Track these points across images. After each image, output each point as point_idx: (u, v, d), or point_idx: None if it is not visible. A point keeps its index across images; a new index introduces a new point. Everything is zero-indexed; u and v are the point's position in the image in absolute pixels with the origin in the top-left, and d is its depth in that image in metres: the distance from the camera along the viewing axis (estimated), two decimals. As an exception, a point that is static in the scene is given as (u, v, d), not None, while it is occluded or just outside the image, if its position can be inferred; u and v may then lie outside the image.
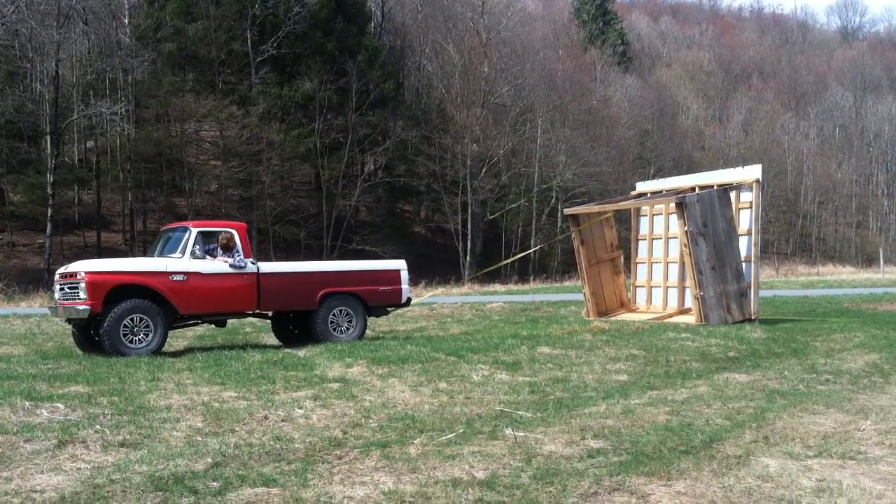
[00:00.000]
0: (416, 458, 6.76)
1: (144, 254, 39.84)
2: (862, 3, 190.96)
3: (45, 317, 20.64)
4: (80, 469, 6.45)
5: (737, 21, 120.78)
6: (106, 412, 8.38)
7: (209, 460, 6.61)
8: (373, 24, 59.14)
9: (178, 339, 16.00)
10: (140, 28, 46.07)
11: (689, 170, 53.84)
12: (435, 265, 45.37)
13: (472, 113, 52.03)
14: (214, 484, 6.06)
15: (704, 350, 13.20)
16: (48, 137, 41.68)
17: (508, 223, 54.70)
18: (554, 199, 54.29)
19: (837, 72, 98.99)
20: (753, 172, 18.29)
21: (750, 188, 18.09)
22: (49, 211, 39.40)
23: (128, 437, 7.39)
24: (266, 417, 8.28)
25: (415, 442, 7.33)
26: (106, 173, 45.99)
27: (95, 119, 42.67)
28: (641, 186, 22.15)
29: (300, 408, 8.71)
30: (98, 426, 7.70)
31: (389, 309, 16.00)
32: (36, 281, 35.37)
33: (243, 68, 48.12)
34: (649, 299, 20.91)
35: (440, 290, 33.84)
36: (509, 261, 32.63)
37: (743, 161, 51.97)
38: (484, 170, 51.90)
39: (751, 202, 18.08)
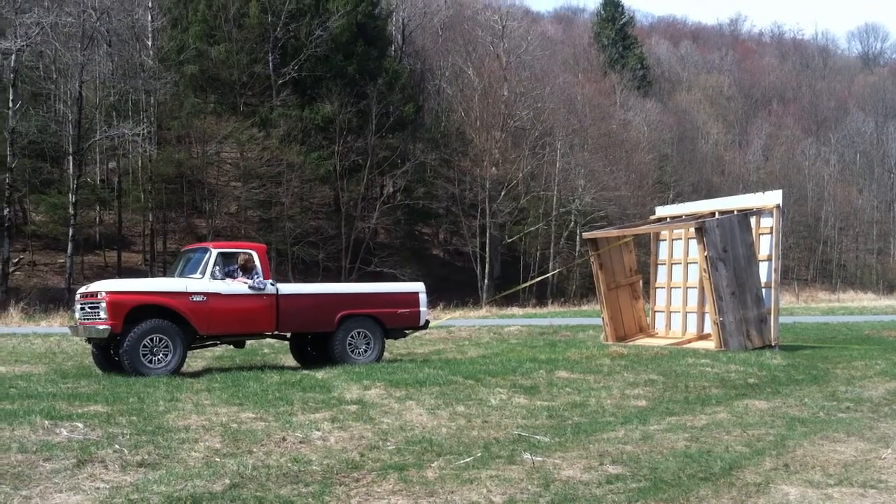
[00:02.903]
0: (434, 482, 6.76)
1: (164, 274, 40.09)
2: (884, 28, 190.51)
3: (65, 336, 20.73)
4: (98, 489, 6.47)
5: (757, 46, 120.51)
6: (125, 432, 8.41)
7: (227, 481, 6.63)
8: (393, 48, 59.42)
9: (197, 359, 16.03)
10: (163, 50, 46.48)
11: (709, 195, 53.68)
12: (453, 288, 45.33)
13: (491, 136, 52.11)
14: (232, 505, 6.07)
15: (724, 376, 13.13)
16: (70, 158, 41.96)
17: (527, 246, 54.65)
18: (573, 223, 54.24)
19: (858, 97, 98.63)
20: (774, 198, 18.22)
21: (770, 214, 18.02)
22: (70, 231, 39.64)
23: (146, 457, 7.42)
24: (284, 439, 8.29)
25: (432, 465, 7.32)
26: (127, 194, 46.28)
27: (118, 140, 43.02)
28: (661, 211, 22.11)
29: (318, 430, 8.71)
30: (117, 446, 7.73)
31: (407, 332, 16.00)
32: (56, 300, 35.55)
33: (265, 91, 48.41)
34: (668, 325, 20.82)
35: (458, 312, 33.82)
36: (527, 284, 32.62)
37: (763, 186, 51.82)
38: (503, 193, 51.92)
39: (771, 227, 18.00)
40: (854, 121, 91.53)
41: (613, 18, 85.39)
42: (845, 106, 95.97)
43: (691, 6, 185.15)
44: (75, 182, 40.44)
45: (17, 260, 41.15)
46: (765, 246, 18.14)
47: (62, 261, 41.39)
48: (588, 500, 6.34)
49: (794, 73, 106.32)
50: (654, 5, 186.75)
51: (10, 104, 37.86)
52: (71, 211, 40.14)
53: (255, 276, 14.03)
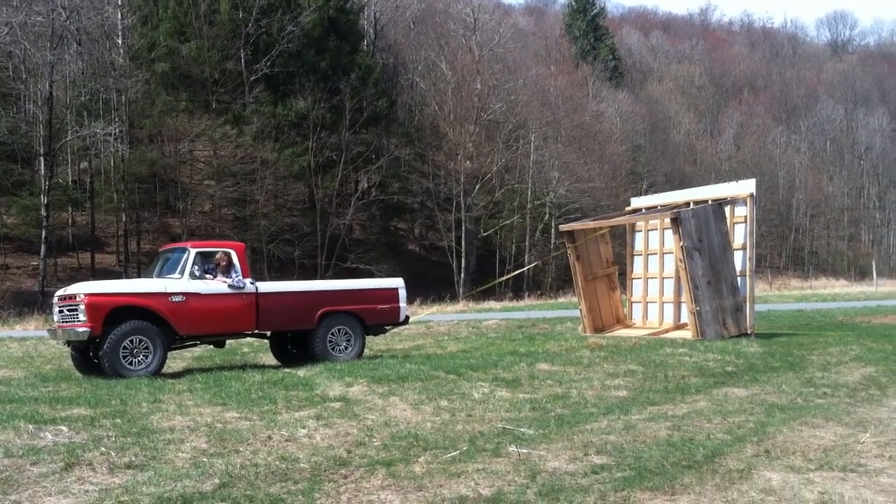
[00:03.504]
0: (422, 477, 6.82)
1: (139, 275, 39.90)
2: (852, 15, 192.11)
3: (41, 339, 20.62)
4: (87, 491, 6.49)
5: (727, 35, 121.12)
6: (110, 434, 8.41)
7: (216, 481, 6.66)
8: (366, 43, 59.34)
9: (177, 360, 16.00)
10: (133, 48, 46.18)
11: (682, 184, 53.95)
12: (429, 283, 45.35)
13: (465, 130, 52.18)
14: (223, 504, 6.11)
15: (702, 365, 13.27)
16: (42, 159, 41.68)
17: (502, 240, 54.79)
18: (547, 216, 54.38)
19: (828, 85, 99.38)
20: (747, 187, 18.38)
21: (744, 203, 18.18)
22: (43, 233, 39.41)
23: (133, 458, 7.43)
24: (270, 437, 8.32)
25: (419, 460, 7.38)
26: (100, 194, 46.00)
27: (89, 140, 42.73)
28: (636, 202, 22.23)
29: (303, 427, 8.75)
30: (103, 448, 7.73)
31: (387, 327, 16.05)
32: (30, 303, 35.34)
33: (237, 87, 48.23)
34: (645, 315, 20.96)
35: (435, 307, 33.87)
36: (505, 278, 32.73)
37: (735, 175, 52.14)
38: (477, 186, 52.02)
39: (745, 217, 18.16)
40: (824, 108, 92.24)
41: (584, 10, 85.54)
42: (815, 94, 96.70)
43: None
44: (47, 183, 40.17)
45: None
46: (739, 235, 18.30)
47: (35, 263, 41.11)
48: (574, 490, 6.42)
49: (764, 61, 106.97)
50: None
51: (-20, 106, 37.56)
52: (43, 213, 39.91)
53: (234, 275, 14.02)
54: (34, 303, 35.80)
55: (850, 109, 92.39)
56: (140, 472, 6.99)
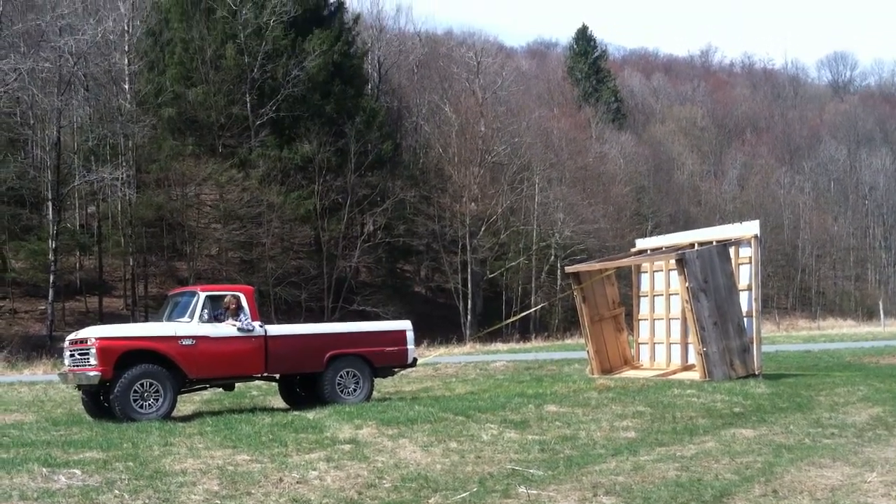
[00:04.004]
0: (433, 518, 6.88)
1: (146, 318, 40.02)
2: (852, 56, 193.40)
3: (51, 383, 20.71)
4: (103, 534, 6.56)
5: (728, 77, 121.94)
6: (122, 477, 8.49)
7: (230, 523, 6.73)
8: (370, 86, 59.82)
9: (186, 403, 16.06)
10: (140, 94, 46.60)
11: (686, 225, 54.21)
12: (436, 325, 45.37)
13: (469, 172, 52.50)
14: (237, 546, 6.18)
15: (710, 406, 13.31)
16: (50, 204, 41.93)
17: (508, 281, 54.84)
18: (553, 257, 54.50)
19: (830, 125, 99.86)
20: (752, 228, 18.49)
21: (749, 244, 18.28)
22: (51, 277, 39.56)
23: (146, 501, 7.52)
24: (281, 480, 8.40)
25: (429, 501, 7.46)
26: (107, 238, 46.22)
27: (97, 185, 43.02)
28: (641, 243, 22.36)
29: (314, 470, 8.82)
30: (116, 491, 7.82)
31: (395, 370, 16.12)
32: (39, 348, 35.36)
33: (243, 132, 48.57)
34: (653, 356, 21.00)
35: (442, 349, 33.89)
36: (512, 320, 32.79)
37: (739, 216, 52.44)
38: (483, 228, 52.23)
39: (750, 257, 18.25)
40: (827, 149, 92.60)
41: (586, 52, 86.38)
42: (818, 134, 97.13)
43: (662, 39, 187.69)
44: (55, 228, 40.39)
45: (-4, 308, 40.97)
46: (744, 276, 18.38)
47: (43, 307, 41.22)
48: (585, 531, 6.48)
49: (766, 102, 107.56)
50: (625, 38, 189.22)
51: (-11, 151, 37.87)
52: (51, 257, 40.08)
53: (244, 319, 14.13)
54: (42, 347, 35.84)
55: (853, 150, 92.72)
56: (154, 515, 7.06)
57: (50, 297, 39.50)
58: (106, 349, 13.14)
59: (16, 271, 44.21)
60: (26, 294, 44.28)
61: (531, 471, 8.73)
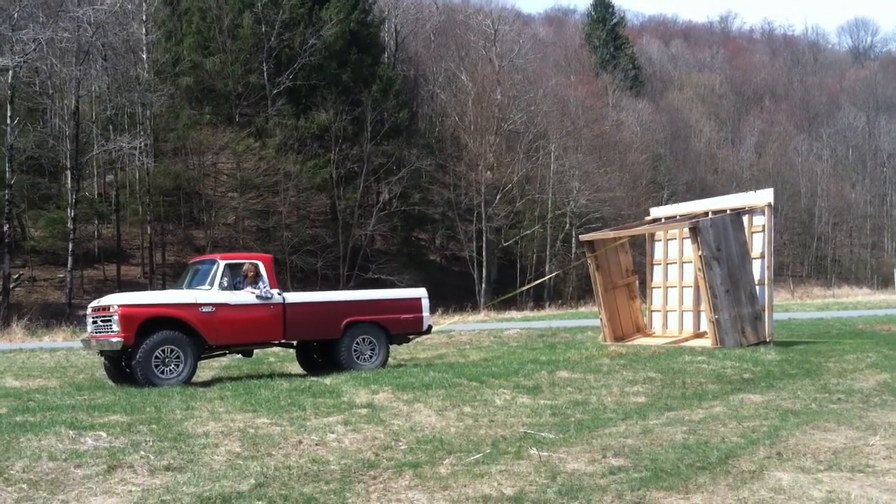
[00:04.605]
0: (447, 478, 7.15)
1: (164, 286, 40.46)
2: (873, 22, 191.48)
3: (71, 350, 21.10)
4: (131, 492, 6.86)
5: (748, 43, 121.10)
6: (147, 439, 8.77)
7: (252, 481, 7.02)
8: (386, 55, 59.87)
9: (205, 369, 16.36)
10: (158, 63, 46.85)
11: (703, 193, 54.16)
12: (450, 293, 45.67)
13: (485, 140, 52.60)
14: (260, 503, 6.46)
15: (720, 372, 13.52)
16: (69, 172, 42.36)
17: (523, 250, 55.09)
18: (568, 225, 54.66)
19: (850, 92, 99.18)
20: (765, 196, 18.59)
21: (762, 212, 18.39)
22: (70, 245, 40.01)
23: (171, 461, 7.80)
24: (300, 442, 8.67)
25: (444, 462, 7.71)
26: (125, 207, 46.69)
27: (115, 153, 43.39)
28: (655, 212, 22.48)
29: (332, 432, 9.09)
30: (142, 452, 8.10)
31: (411, 336, 16.38)
32: (58, 315, 35.87)
33: (260, 101, 48.81)
34: (665, 324, 21.19)
35: (456, 317, 34.18)
36: (526, 288, 33.00)
37: (756, 184, 52.29)
38: (498, 197, 52.40)
39: (763, 226, 18.37)
40: (846, 116, 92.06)
41: (604, 19, 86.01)
42: (837, 101, 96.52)
43: (681, 5, 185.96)
44: (74, 196, 40.81)
45: (17, 276, 41.46)
46: (758, 244, 18.51)
47: (62, 275, 41.73)
48: (593, 489, 6.73)
49: (786, 69, 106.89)
50: (644, 5, 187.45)
51: (8, 121, 38.23)
52: (70, 226, 40.54)
53: (262, 286, 14.39)
54: (61, 314, 36.35)
55: (872, 117, 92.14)
56: (179, 474, 7.35)
57: (69, 265, 39.99)
58: (128, 316, 13.43)
59: (35, 239, 44.72)
60: (45, 262, 44.82)
61: (543, 434, 8.97)
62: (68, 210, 40.94)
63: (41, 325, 31.95)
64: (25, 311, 34.07)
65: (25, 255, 44.05)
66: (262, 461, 7.77)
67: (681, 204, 23.73)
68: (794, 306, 39.04)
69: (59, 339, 28.03)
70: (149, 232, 45.39)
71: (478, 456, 7.93)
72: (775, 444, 8.24)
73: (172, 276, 44.21)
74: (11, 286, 39.60)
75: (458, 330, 25.68)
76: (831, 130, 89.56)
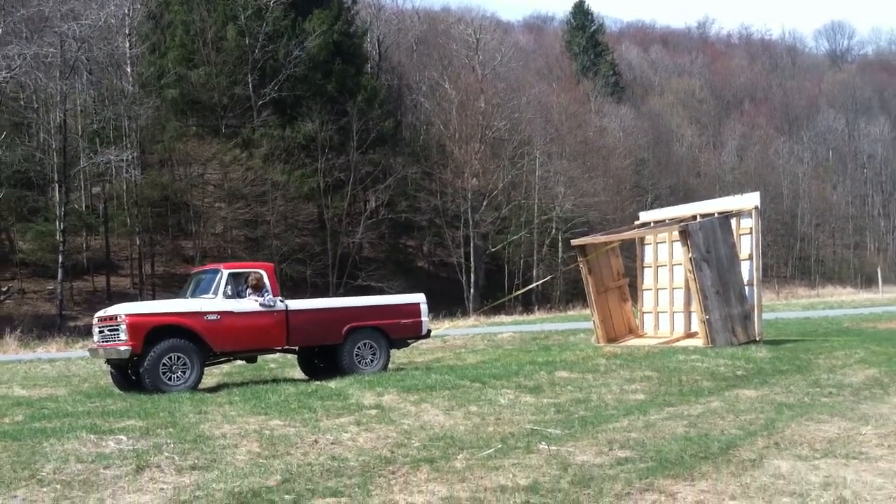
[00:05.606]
0: (463, 471, 7.49)
1: (153, 296, 40.63)
2: (850, 25, 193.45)
3: (70, 360, 21.35)
4: (163, 489, 7.17)
5: (726, 48, 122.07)
6: (168, 442, 9.06)
7: (279, 477, 7.35)
8: (370, 65, 60.22)
9: (209, 376, 16.58)
10: (143, 76, 47.05)
11: (686, 197, 54.67)
12: (439, 299, 45.81)
13: (470, 148, 53.01)
14: (288, 497, 6.81)
15: (714, 370, 13.91)
16: (56, 185, 42.47)
17: (510, 255, 55.51)
18: (554, 230, 55.09)
19: (828, 95, 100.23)
20: (752, 200, 19.03)
21: (749, 215, 18.83)
22: (59, 257, 40.12)
23: (196, 461, 8.10)
24: (316, 441, 8.98)
25: (458, 457, 8.05)
26: (114, 218, 46.86)
27: (103, 166, 43.55)
28: (644, 216, 22.88)
29: (346, 432, 9.41)
30: (166, 453, 8.40)
31: (410, 341, 16.70)
32: (49, 327, 36.00)
33: (245, 112, 49.00)
34: (657, 325, 21.58)
35: (447, 323, 34.49)
36: (518, 293, 33.33)
37: (739, 186, 52.96)
38: (484, 203, 52.81)
39: (751, 228, 18.81)
40: (825, 118, 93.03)
41: (583, 26, 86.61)
42: (816, 104, 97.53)
43: (659, 11, 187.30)
44: (62, 209, 40.92)
45: (6, 288, 41.55)
46: (746, 246, 18.95)
47: (51, 287, 41.83)
48: (603, 479, 7.09)
49: (764, 73, 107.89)
50: (622, 11, 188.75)
51: (-5, 135, 38.33)
52: (59, 238, 40.65)
53: (266, 294, 14.69)
54: (52, 326, 36.48)
55: (852, 119, 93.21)
56: (206, 472, 7.66)
57: (59, 277, 40.08)
58: (136, 325, 13.70)
59: (24, 252, 44.77)
60: (34, 274, 44.87)
61: (549, 430, 9.33)
62: (57, 222, 41.07)
63: (33, 336, 32.08)
64: (17, 322, 34.19)
65: (15, 268, 44.13)
66: (284, 459, 8.09)
67: (669, 208, 24.18)
68: (780, 306, 39.59)
69: (53, 350, 28.21)
70: (138, 243, 45.54)
71: (490, 451, 8.28)
72: (772, 435, 8.63)
73: (162, 287, 44.41)
74: (2, 298, 39.70)
75: (451, 335, 26.05)
76: (811, 133, 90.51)
